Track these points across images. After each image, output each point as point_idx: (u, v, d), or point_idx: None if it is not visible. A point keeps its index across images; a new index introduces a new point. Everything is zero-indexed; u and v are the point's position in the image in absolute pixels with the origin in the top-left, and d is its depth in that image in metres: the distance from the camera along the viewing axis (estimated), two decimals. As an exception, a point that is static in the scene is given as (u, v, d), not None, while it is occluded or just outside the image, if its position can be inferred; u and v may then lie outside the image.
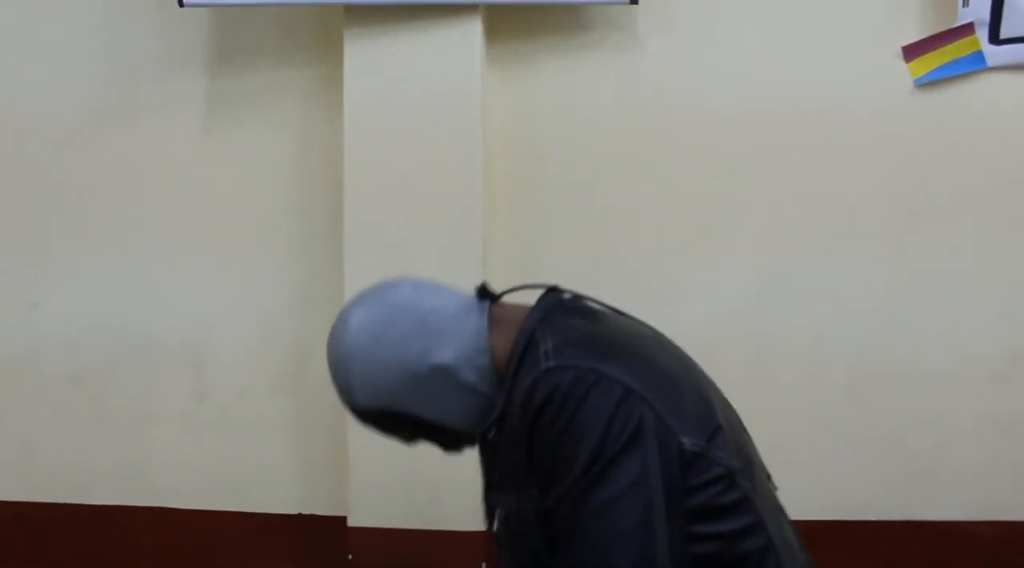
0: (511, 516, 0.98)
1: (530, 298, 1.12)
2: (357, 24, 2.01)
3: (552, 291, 1.10)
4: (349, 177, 2.04)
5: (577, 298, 1.11)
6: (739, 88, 2.04)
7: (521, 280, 2.07)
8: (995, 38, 1.96)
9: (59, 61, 2.24)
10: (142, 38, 2.20)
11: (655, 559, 0.89)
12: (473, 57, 2.00)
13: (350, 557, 2.07)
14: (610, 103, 2.08)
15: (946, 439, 2.05)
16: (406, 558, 2.04)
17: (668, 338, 1.14)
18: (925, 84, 2.00)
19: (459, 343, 1.03)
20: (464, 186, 2.02)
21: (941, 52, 1.98)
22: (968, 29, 1.96)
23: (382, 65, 2.01)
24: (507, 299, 1.13)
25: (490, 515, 1.05)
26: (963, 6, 1.94)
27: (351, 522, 2.07)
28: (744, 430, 1.11)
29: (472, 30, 2.00)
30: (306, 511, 2.21)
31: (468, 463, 2.07)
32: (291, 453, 2.20)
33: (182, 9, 2.07)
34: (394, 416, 1.06)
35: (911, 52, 2.00)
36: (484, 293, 1.11)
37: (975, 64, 1.97)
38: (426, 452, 2.12)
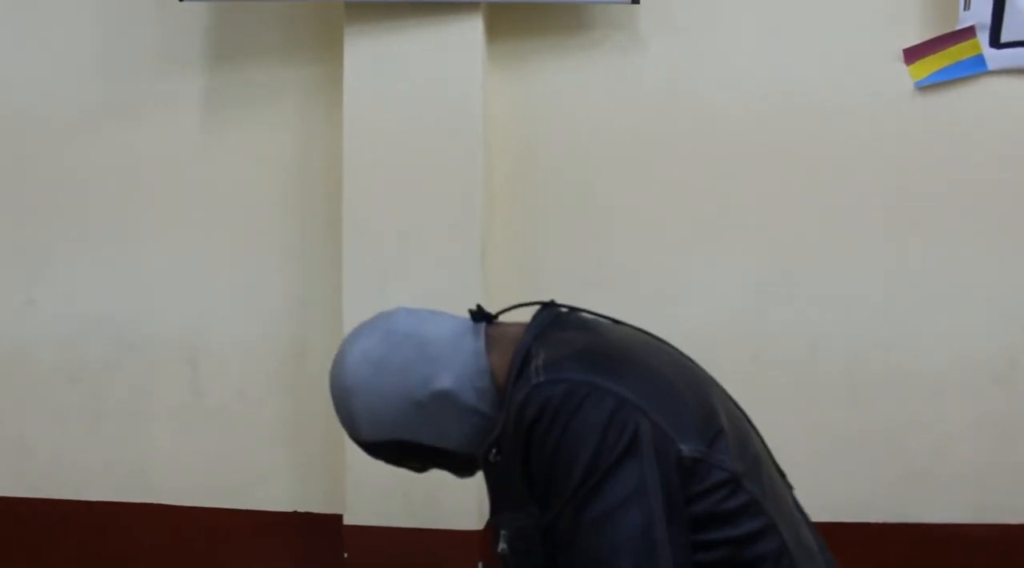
0: (514, 536, 0.98)
1: (528, 315, 1.12)
2: (358, 21, 2.01)
3: (547, 306, 1.10)
4: (348, 176, 2.04)
5: (573, 311, 1.11)
6: (740, 89, 2.04)
7: (520, 280, 2.10)
8: (996, 42, 1.96)
9: (57, 57, 2.24)
10: (141, 34, 2.20)
11: (659, 564, 0.88)
12: (474, 56, 2.00)
13: (346, 555, 2.07)
14: (611, 103, 2.08)
15: (944, 440, 2.05)
16: (402, 557, 2.04)
17: (667, 343, 1.13)
18: (926, 87, 2.00)
19: (458, 367, 1.04)
20: (464, 185, 2.01)
21: (942, 55, 1.98)
22: (969, 32, 1.96)
23: (382, 63, 2.01)
24: (504, 318, 1.14)
25: (496, 536, 1.04)
26: (964, 9, 1.94)
27: (347, 520, 2.06)
28: (753, 431, 1.10)
29: (473, 28, 1.99)
30: (302, 509, 2.20)
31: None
32: (288, 451, 2.20)
33: (181, 4, 2.06)
34: (400, 446, 1.07)
35: (912, 55, 2.00)
36: (480, 315, 1.12)
37: (976, 67, 1.98)
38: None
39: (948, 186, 2.02)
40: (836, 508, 2.03)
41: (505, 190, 2.11)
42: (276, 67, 2.16)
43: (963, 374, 2.03)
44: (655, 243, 2.08)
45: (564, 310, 1.11)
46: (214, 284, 2.21)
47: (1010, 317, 2.02)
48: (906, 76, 2.00)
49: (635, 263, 2.08)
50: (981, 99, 1.99)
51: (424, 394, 1.04)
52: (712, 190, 2.07)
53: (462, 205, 2.02)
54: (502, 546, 1.00)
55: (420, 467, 1.13)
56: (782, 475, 1.12)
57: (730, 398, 1.12)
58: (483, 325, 1.10)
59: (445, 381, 1.03)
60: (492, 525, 1.07)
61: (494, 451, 1.01)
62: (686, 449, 0.94)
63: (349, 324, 2.04)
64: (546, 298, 1.16)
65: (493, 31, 2.06)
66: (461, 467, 1.12)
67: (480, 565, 2.02)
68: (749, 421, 1.12)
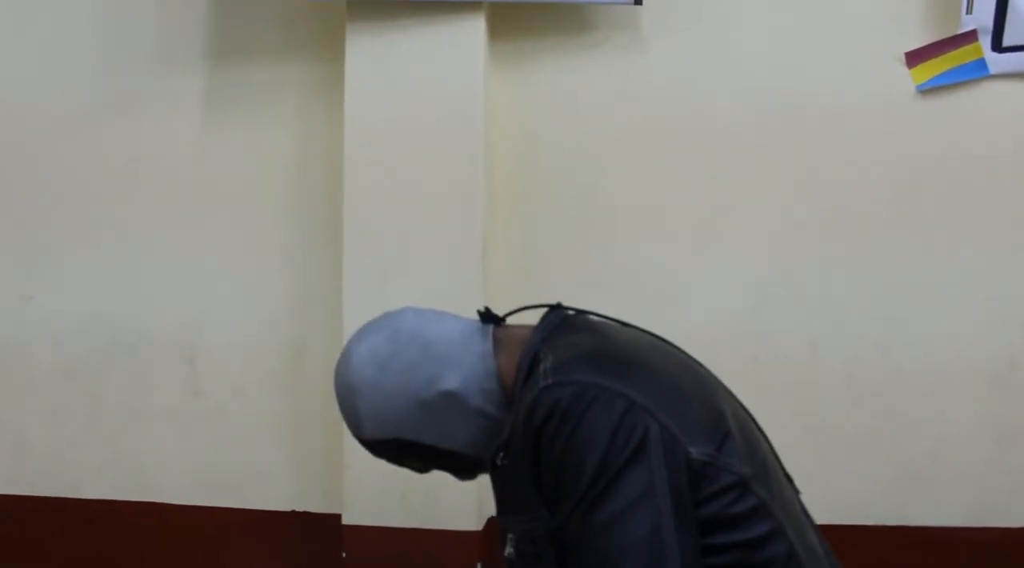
0: (521, 539, 0.98)
1: (536, 318, 1.12)
2: (359, 20, 2.00)
3: (555, 309, 1.09)
4: (349, 175, 2.03)
5: (580, 313, 1.11)
6: (742, 91, 2.04)
7: (521, 280, 2.10)
8: (998, 46, 1.96)
9: (55, 53, 2.23)
10: (140, 31, 2.19)
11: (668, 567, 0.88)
12: (476, 55, 2.00)
13: (344, 555, 2.06)
14: (613, 103, 2.07)
15: (943, 443, 2.05)
16: (401, 557, 2.03)
17: (675, 345, 1.13)
18: (927, 90, 2.01)
19: (465, 368, 1.04)
20: (465, 185, 2.01)
21: (944, 59, 1.98)
22: (971, 36, 1.96)
23: (384, 62, 2.01)
24: (511, 320, 1.14)
25: (503, 539, 1.04)
26: (966, 13, 1.94)
27: (346, 520, 2.06)
28: (760, 434, 1.10)
29: (475, 28, 1.99)
30: (300, 509, 2.20)
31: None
32: (285, 450, 2.19)
33: (181, 0, 2.06)
34: (404, 445, 1.06)
35: (914, 58, 2.00)
36: (487, 317, 1.12)
37: (977, 71, 1.98)
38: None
39: (949, 189, 2.03)
40: (834, 510, 2.02)
41: (506, 190, 2.10)
42: (277, 65, 2.16)
43: (962, 376, 2.03)
44: (656, 243, 2.08)
45: (571, 312, 1.11)
46: (213, 282, 2.20)
47: (1009, 319, 2.03)
48: (908, 79, 2.00)
49: (635, 263, 2.08)
50: (983, 103, 1.99)
51: (430, 394, 1.03)
52: (713, 191, 2.07)
53: (463, 205, 2.01)
54: (509, 550, 0.99)
55: (422, 467, 1.13)
56: (789, 479, 1.12)
57: (737, 401, 1.11)
58: (491, 327, 1.10)
59: (451, 382, 1.03)
60: (499, 528, 1.07)
61: (501, 454, 1.00)
62: (695, 452, 0.94)
63: (349, 324, 2.05)
64: (547, 298, 1.16)
65: (495, 31, 2.06)
66: (464, 469, 1.12)
67: (479, 566, 2.02)
68: (756, 424, 1.11)
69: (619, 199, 2.09)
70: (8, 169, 2.26)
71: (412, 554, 2.02)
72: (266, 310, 2.19)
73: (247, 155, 2.18)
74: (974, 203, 2.02)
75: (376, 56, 2.00)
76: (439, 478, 2.05)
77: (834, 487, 2.03)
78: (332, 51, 2.08)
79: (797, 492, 1.12)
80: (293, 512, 2.20)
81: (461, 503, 2.02)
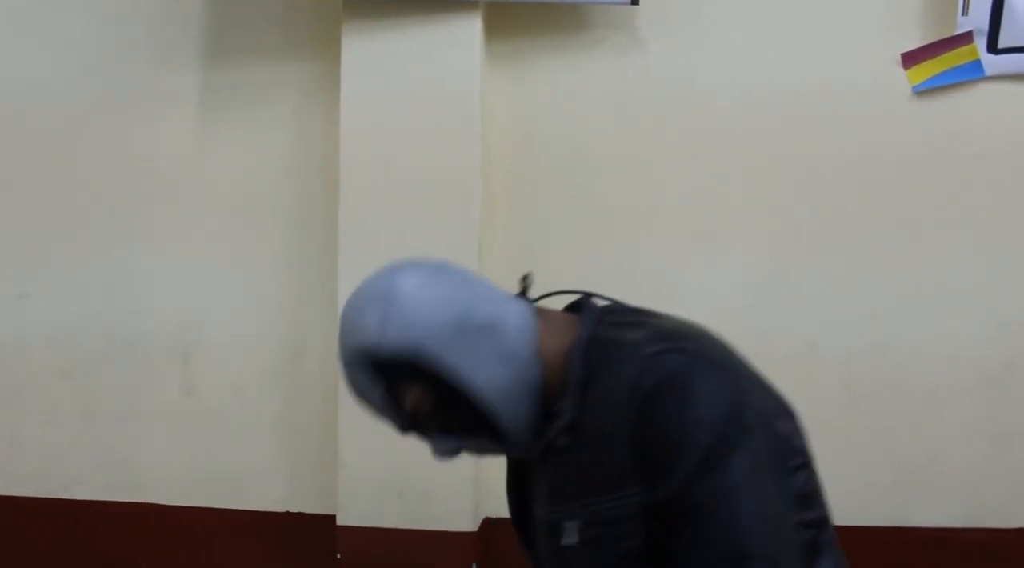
0: (592, 523, 0.92)
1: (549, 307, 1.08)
2: (356, 19, 2.00)
3: (588, 296, 1.05)
4: (345, 174, 2.03)
5: (618, 303, 1.06)
6: (739, 90, 2.04)
7: (518, 277, 2.08)
8: (993, 47, 1.97)
9: (51, 53, 2.22)
10: (136, 29, 2.19)
11: (781, 542, 0.87)
12: (473, 55, 1.99)
13: (339, 556, 2.05)
14: (610, 103, 2.07)
15: (939, 444, 2.05)
16: (395, 558, 2.03)
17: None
18: (923, 91, 2.01)
19: (510, 315, 0.97)
20: (462, 184, 2.01)
21: (940, 60, 1.99)
22: (967, 38, 1.97)
23: (381, 61, 2.00)
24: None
25: (554, 530, 0.96)
26: (962, 14, 1.95)
27: (340, 521, 2.05)
28: None
29: (472, 27, 1.99)
30: (294, 509, 2.19)
31: (459, 463, 2.08)
32: (280, 450, 2.19)
33: None
34: (418, 368, 0.94)
35: (910, 59, 2.00)
36: (520, 294, 1.06)
37: (973, 73, 1.98)
38: (417, 451, 2.11)
39: (945, 190, 2.03)
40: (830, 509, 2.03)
41: (503, 190, 2.10)
42: (273, 64, 2.15)
43: (959, 377, 2.04)
44: (654, 243, 2.08)
45: (608, 301, 1.05)
46: (208, 281, 2.19)
47: (1006, 321, 2.03)
48: (904, 80, 2.01)
49: (633, 263, 2.07)
50: (978, 104, 2.00)
51: (470, 320, 0.94)
52: (711, 191, 2.07)
53: (460, 205, 2.01)
54: (569, 540, 0.92)
55: (412, 415, 0.98)
56: None
57: None
58: (526, 300, 1.03)
59: (495, 317, 0.96)
60: (545, 520, 0.98)
61: (565, 439, 0.93)
62: (779, 427, 0.93)
63: (344, 323, 2.04)
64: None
65: (492, 30, 2.06)
66: (463, 428, 0.98)
67: (474, 566, 2.01)
68: None
69: (616, 199, 2.09)
70: (4, 168, 2.26)
71: (407, 555, 2.02)
72: (263, 310, 2.18)
73: (244, 154, 2.17)
74: (970, 204, 2.02)
75: (373, 55, 2.00)
76: (433, 478, 2.06)
77: (830, 487, 2.01)
78: (328, 50, 2.07)
79: None
80: (287, 513, 2.19)
81: (457, 504, 2.01)
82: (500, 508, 2.12)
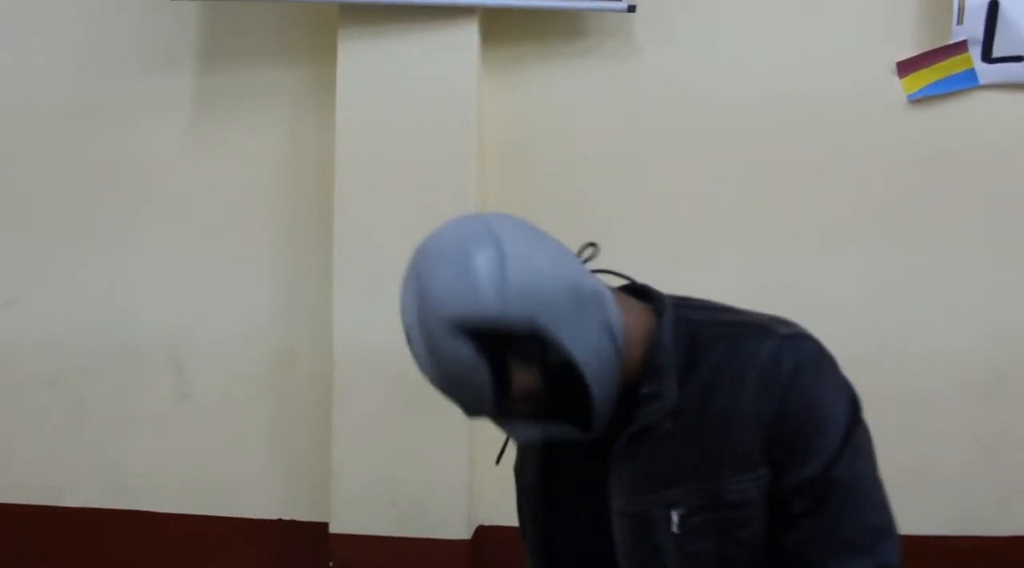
0: (704, 509, 0.88)
1: None
2: (352, 24, 1.99)
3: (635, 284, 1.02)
4: (340, 179, 2.02)
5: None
6: (734, 97, 2.05)
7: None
8: (988, 56, 1.98)
9: (44, 56, 2.20)
10: (129, 32, 2.17)
11: (893, 516, 0.91)
12: (469, 60, 1.99)
13: (332, 564, 2.04)
14: (605, 109, 2.07)
15: (930, 452, 2.05)
16: (389, 566, 2.02)
17: None
18: (918, 100, 2.01)
19: (604, 288, 0.92)
20: (457, 190, 2.00)
21: (935, 69, 1.99)
22: (961, 47, 1.97)
23: (376, 66, 1.99)
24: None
25: (646, 521, 0.90)
26: (957, 24, 1.96)
27: (333, 528, 2.04)
28: None
29: (468, 33, 1.98)
30: (287, 517, 2.17)
31: (451, 470, 2.08)
32: (273, 457, 2.17)
33: (172, 3, 2.04)
34: (531, 338, 0.83)
35: (905, 68, 2.01)
36: None
37: (968, 82, 1.99)
38: (409, 459, 2.11)
39: (939, 198, 2.04)
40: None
41: (498, 195, 2.09)
42: (268, 68, 2.14)
43: (950, 386, 2.04)
44: (649, 249, 2.07)
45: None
46: (200, 286, 2.18)
47: (997, 329, 2.04)
48: (899, 88, 2.01)
49: (628, 269, 2.05)
50: (973, 113, 2.01)
51: (581, 290, 0.86)
52: (706, 196, 2.07)
53: (455, 210, 1.96)
54: (674, 530, 0.88)
55: (513, 399, 0.85)
56: None
57: None
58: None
59: (598, 288, 0.89)
60: (637, 511, 0.91)
61: (669, 423, 0.89)
62: None
63: (339, 328, 2.03)
64: None
65: (488, 36, 2.05)
66: (557, 409, 0.89)
67: (468, 575, 2.00)
68: None
69: (612, 204, 2.09)
70: (-6, 171, 2.24)
71: (400, 563, 2.01)
72: (255, 315, 2.17)
73: (238, 159, 2.16)
74: (964, 212, 2.03)
75: (368, 60, 1.99)
76: (426, 486, 2.05)
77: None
78: (324, 56, 2.06)
79: None
80: (280, 520, 2.17)
81: (450, 511, 2.01)
82: (493, 516, 2.12)
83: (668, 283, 2.16)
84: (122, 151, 2.19)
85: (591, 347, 0.86)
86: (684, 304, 0.97)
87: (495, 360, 0.83)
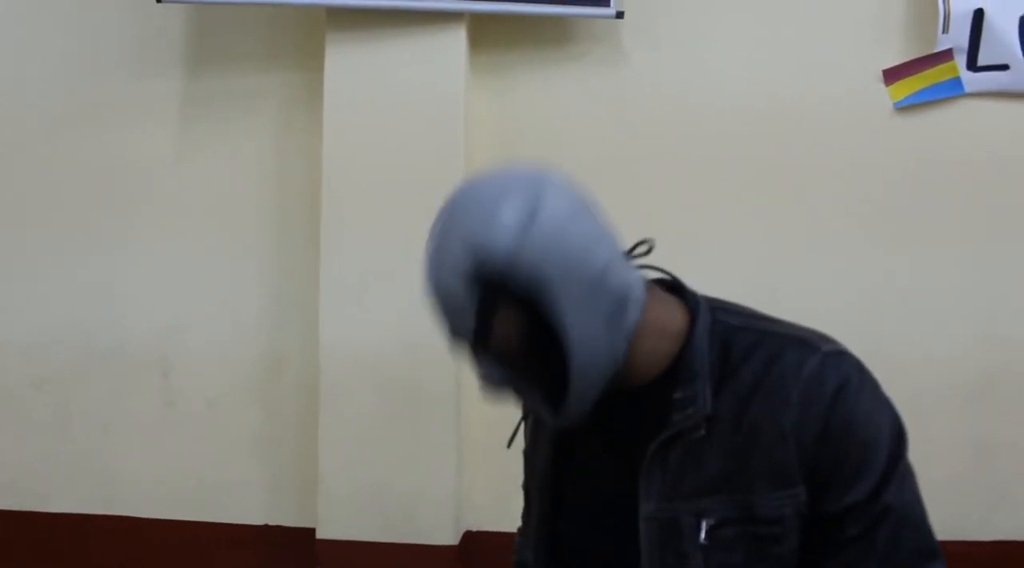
0: (736, 521, 0.85)
1: None
2: (340, 29, 1.99)
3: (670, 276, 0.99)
4: (327, 184, 2.02)
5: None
6: (722, 104, 2.05)
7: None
8: (973, 65, 1.99)
9: (31, 59, 2.20)
10: (116, 36, 2.17)
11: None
12: (457, 66, 1.99)
13: (319, 570, 2.04)
14: (593, 115, 2.08)
15: (920, 457, 2.02)
16: (376, 572, 2.01)
17: None
18: (904, 107, 2.03)
19: (635, 288, 0.87)
20: (444, 194, 1.99)
21: (920, 77, 2.01)
22: (947, 55, 1.99)
23: (364, 71, 2.00)
24: None
25: (671, 530, 0.87)
26: (943, 32, 1.97)
27: (320, 534, 2.03)
28: None
29: (456, 39, 1.99)
30: (273, 522, 2.16)
31: (439, 476, 2.07)
32: (259, 463, 2.16)
33: (158, 5, 2.04)
34: (527, 299, 0.81)
35: (892, 76, 2.02)
36: None
37: (953, 90, 2.00)
38: (397, 464, 2.11)
39: (926, 205, 2.05)
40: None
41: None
42: (256, 73, 2.14)
43: (939, 390, 2.05)
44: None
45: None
46: (187, 291, 2.17)
47: (985, 335, 2.04)
48: (886, 95, 2.03)
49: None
50: (958, 121, 2.02)
51: (605, 281, 0.83)
52: (694, 201, 2.07)
53: (443, 216, 2.00)
54: (702, 541, 0.86)
55: (485, 341, 0.83)
56: None
57: None
58: None
59: (626, 288, 0.85)
60: (661, 516, 0.88)
61: (702, 431, 0.86)
62: None
63: (326, 333, 2.03)
64: None
65: (476, 42, 2.06)
66: (532, 376, 0.86)
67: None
68: None
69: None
70: (-21, 175, 2.23)
71: (387, 569, 2.00)
72: (242, 320, 2.16)
73: (225, 164, 2.16)
74: (951, 219, 2.04)
75: (356, 65, 1.99)
76: (414, 491, 2.04)
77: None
78: (312, 61, 2.06)
79: None
80: (266, 526, 2.16)
81: (437, 517, 2.00)
82: (481, 522, 2.12)
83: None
84: (109, 155, 2.18)
85: (587, 337, 0.83)
86: (720, 307, 0.94)
87: (485, 303, 0.81)
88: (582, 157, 2.10)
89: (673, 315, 0.91)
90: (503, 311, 0.82)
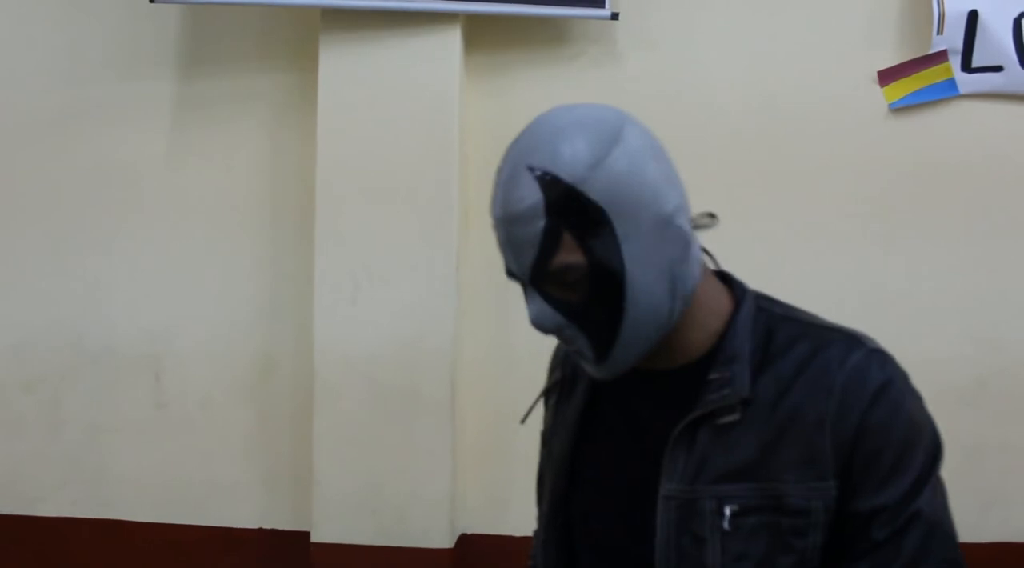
0: (760, 510, 0.83)
1: None
2: (334, 29, 1.98)
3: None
4: (321, 185, 2.01)
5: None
6: (717, 105, 2.05)
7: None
8: (967, 66, 2.00)
9: (23, 60, 2.18)
10: (109, 36, 2.16)
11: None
12: (452, 66, 1.99)
13: (312, 574, 2.02)
14: (588, 117, 2.07)
15: (913, 461, 2.05)
16: (370, 575, 2.00)
17: None
18: (900, 108, 2.03)
19: (696, 245, 0.88)
20: (439, 195, 1.99)
21: (915, 78, 2.01)
22: (942, 56, 1.99)
23: (358, 72, 1.99)
24: None
25: (690, 512, 0.85)
26: (937, 34, 1.97)
27: (314, 538, 2.02)
28: None
29: (451, 39, 1.98)
30: (268, 526, 2.15)
31: (434, 479, 2.07)
32: (253, 465, 2.15)
33: (152, 6, 2.02)
34: (591, 231, 0.80)
35: (887, 77, 2.02)
36: None
37: (948, 91, 2.01)
38: (391, 467, 2.10)
39: (920, 206, 2.05)
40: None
41: (480, 202, 2.08)
42: (249, 73, 2.13)
43: (931, 392, 2.00)
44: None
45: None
46: (179, 292, 2.16)
47: (978, 336, 2.05)
48: (881, 96, 2.03)
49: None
50: (953, 122, 2.02)
51: (672, 223, 0.83)
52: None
53: (437, 215, 2.00)
54: (725, 526, 0.84)
55: (543, 271, 0.82)
56: None
57: None
58: None
59: (690, 237, 0.86)
60: (683, 498, 0.86)
61: (737, 414, 0.84)
62: None
63: (319, 334, 2.02)
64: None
65: (471, 43, 2.05)
66: (583, 317, 0.83)
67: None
68: None
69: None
70: (-31, 176, 2.21)
71: (382, 572, 1.99)
72: (235, 321, 2.15)
73: (219, 165, 2.15)
74: (944, 220, 2.05)
75: (350, 66, 1.99)
76: (408, 495, 2.04)
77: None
78: (306, 61, 2.06)
79: None
80: (260, 529, 2.15)
81: (432, 520, 1.99)
82: (476, 525, 2.11)
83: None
84: (101, 156, 2.17)
85: (647, 280, 0.82)
86: (764, 297, 0.93)
87: (553, 223, 0.81)
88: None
89: (720, 297, 0.91)
90: (568, 239, 0.81)
